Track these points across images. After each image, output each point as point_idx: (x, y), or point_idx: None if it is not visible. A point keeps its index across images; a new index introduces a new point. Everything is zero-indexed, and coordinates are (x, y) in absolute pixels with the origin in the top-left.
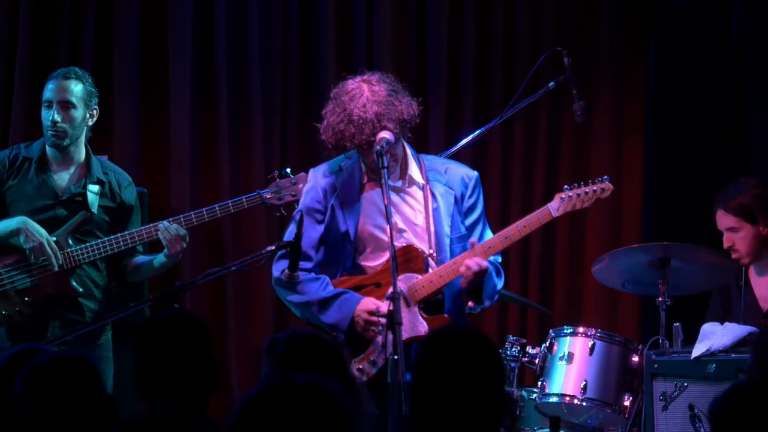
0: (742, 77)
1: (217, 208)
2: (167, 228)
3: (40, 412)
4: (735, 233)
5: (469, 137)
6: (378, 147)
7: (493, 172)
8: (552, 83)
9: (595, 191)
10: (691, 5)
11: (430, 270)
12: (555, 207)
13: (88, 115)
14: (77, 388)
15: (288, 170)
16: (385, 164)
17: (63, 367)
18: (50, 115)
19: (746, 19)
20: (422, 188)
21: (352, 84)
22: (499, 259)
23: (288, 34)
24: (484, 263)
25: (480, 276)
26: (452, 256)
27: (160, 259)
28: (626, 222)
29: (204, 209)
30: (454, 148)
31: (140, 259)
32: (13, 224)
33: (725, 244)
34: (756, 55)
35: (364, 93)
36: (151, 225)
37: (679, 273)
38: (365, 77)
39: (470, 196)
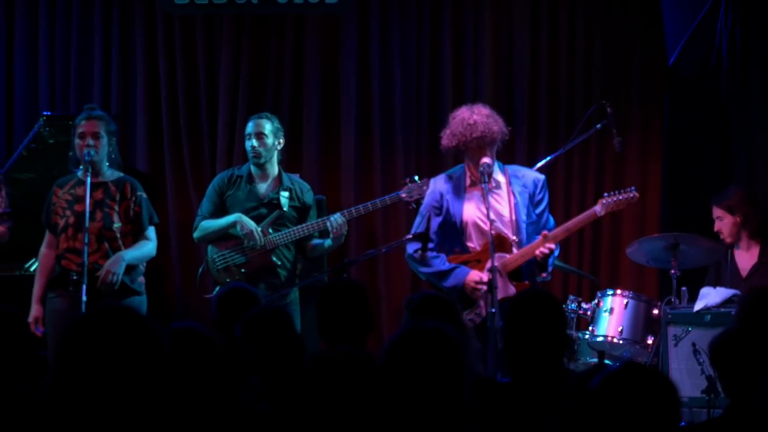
0: (728, 120)
1: (369, 205)
2: (336, 219)
3: (254, 346)
4: (720, 221)
5: (542, 162)
6: (481, 168)
7: (558, 185)
8: (598, 125)
9: (626, 198)
10: (694, 70)
11: (514, 251)
12: (598, 209)
13: (277, 143)
14: (277, 330)
15: (416, 177)
16: (486, 180)
17: (268, 316)
18: (251, 143)
19: (731, 80)
20: (505, 188)
21: (466, 107)
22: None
23: (420, 88)
24: (553, 246)
25: (549, 256)
26: (527, 237)
27: (328, 242)
28: (649, 219)
29: (360, 205)
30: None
31: (316, 241)
32: (232, 218)
33: (715, 229)
34: (737, 105)
35: (475, 110)
36: (322, 218)
37: (685, 253)
38: (473, 104)
39: (539, 193)
